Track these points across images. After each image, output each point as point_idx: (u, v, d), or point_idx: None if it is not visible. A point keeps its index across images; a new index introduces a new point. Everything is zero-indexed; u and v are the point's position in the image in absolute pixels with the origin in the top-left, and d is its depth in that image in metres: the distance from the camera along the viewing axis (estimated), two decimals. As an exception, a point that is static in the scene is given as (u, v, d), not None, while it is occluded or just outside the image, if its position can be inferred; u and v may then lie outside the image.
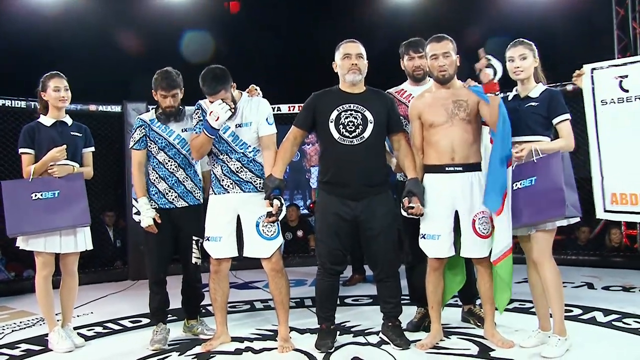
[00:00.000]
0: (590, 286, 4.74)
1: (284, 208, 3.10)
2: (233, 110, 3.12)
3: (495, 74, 2.89)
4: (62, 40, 7.39)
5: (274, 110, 6.02)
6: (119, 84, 7.26)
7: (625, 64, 3.24)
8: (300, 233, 6.86)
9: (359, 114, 3.07)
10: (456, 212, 3.08)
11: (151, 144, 3.43)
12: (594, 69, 3.26)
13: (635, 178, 3.18)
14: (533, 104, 2.99)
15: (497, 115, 2.90)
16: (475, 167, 3.10)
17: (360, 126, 3.06)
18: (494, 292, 3.10)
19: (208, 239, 3.27)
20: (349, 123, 3.06)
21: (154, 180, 3.45)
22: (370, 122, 3.07)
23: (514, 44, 3.04)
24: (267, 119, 3.23)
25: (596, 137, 3.22)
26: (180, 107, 3.45)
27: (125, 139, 5.96)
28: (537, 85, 3.04)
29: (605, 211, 3.30)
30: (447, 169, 3.07)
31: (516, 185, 2.93)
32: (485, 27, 7.52)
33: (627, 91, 3.16)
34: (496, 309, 3.17)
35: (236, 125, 3.21)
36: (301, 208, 7.68)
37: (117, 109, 6.13)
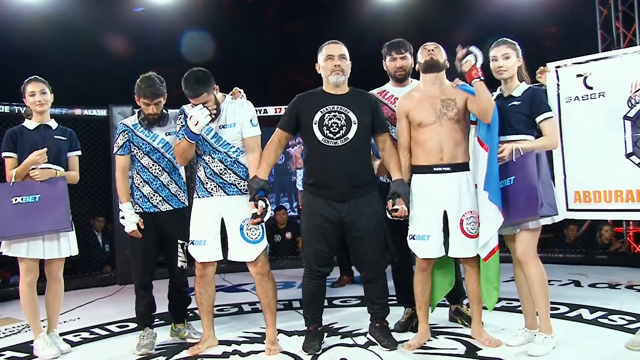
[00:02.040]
0: (577, 284, 4.77)
1: (269, 209, 3.09)
2: (214, 114, 3.11)
3: (476, 60, 2.92)
4: (47, 43, 7.33)
5: (260, 113, 5.97)
6: (105, 88, 7.21)
7: (588, 62, 3.24)
8: (288, 235, 6.84)
9: (343, 115, 3.07)
10: (444, 212, 3.08)
11: (135, 148, 3.41)
12: (558, 66, 3.28)
13: (598, 176, 3.18)
14: (516, 103, 3.00)
15: (485, 100, 2.91)
16: (463, 167, 3.10)
17: (345, 127, 3.06)
18: (483, 290, 3.11)
19: (193, 243, 3.25)
20: (333, 124, 3.06)
21: (139, 184, 3.43)
22: (354, 123, 3.07)
23: (497, 43, 3.06)
24: (251, 121, 3.22)
25: (560, 135, 3.22)
26: (164, 111, 3.43)
27: (111, 143, 5.93)
28: (520, 84, 3.05)
29: (568, 210, 3.28)
30: (435, 169, 3.07)
31: (500, 184, 2.95)
32: (471, 28, 7.55)
33: (591, 88, 3.18)
34: (485, 308, 3.18)
35: (219, 127, 3.20)
36: (287, 210, 7.66)
37: (102, 112, 6.09)
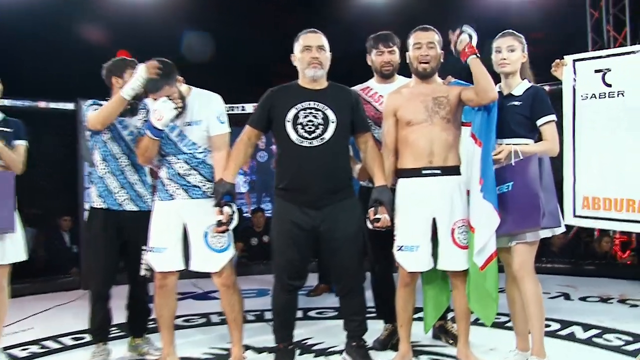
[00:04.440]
0: (567, 297, 4.54)
1: (235, 216, 2.79)
2: (180, 108, 2.81)
3: (471, 38, 2.68)
4: (11, 33, 6.91)
5: (237, 110, 5.62)
6: (73, 81, 6.83)
7: (609, 56, 2.93)
8: (266, 238, 6.54)
9: (320, 113, 2.78)
10: (434, 220, 2.81)
11: (106, 129, 3.07)
12: (576, 60, 2.97)
13: (610, 181, 2.87)
14: (516, 103, 2.74)
15: (482, 77, 2.65)
16: (454, 170, 2.83)
17: (321, 126, 2.76)
18: (478, 304, 2.82)
19: (152, 250, 2.94)
20: (309, 123, 2.76)
21: (104, 174, 3.11)
22: (332, 122, 2.77)
23: (502, 34, 2.80)
24: (219, 117, 2.92)
25: (572, 135, 2.93)
26: (138, 101, 3.10)
27: (79, 138, 5.60)
28: (521, 82, 2.79)
29: (575, 216, 2.97)
30: (424, 172, 2.80)
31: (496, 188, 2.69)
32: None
33: (609, 86, 2.87)
34: (473, 324, 2.91)
35: (185, 124, 2.90)
36: (268, 212, 7.36)
37: (70, 106, 5.75)
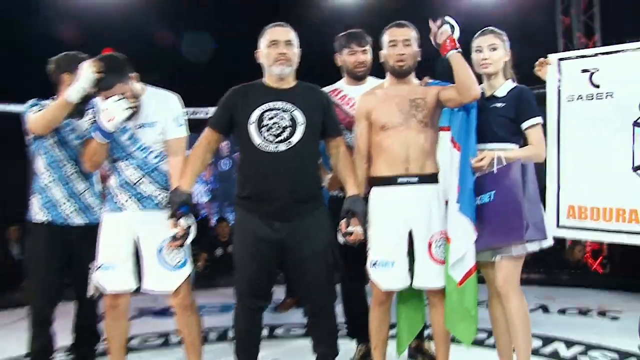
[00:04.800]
0: (545, 309, 4.37)
1: (192, 229, 2.51)
2: (134, 108, 2.52)
3: (453, 30, 2.47)
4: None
5: (201, 115, 5.35)
6: (26, 81, 6.41)
7: (596, 55, 2.75)
8: (231, 248, 6.21)
9: (287, 114, 2.51)
10: (410, 233, 2.58)
11: (50, 133, 2.76)
12: (561, 59, 2.79)
13: (598, 189, 2.68)
14: (498, 104, 2.54)
15: (464, 72, 2.44)
16: (432, 178, 2.61)
17: (288, 128, 2.50)
18: (456, 322, 2.59)
19: (100, 267, 2.63)
20: (274, 125, 2.49)
21: (48, 183, 2.79)
22: (301, 124, 2.51)
23: (482, 32, 2.60)
24: (176, 119, 2.65)
25: (557, 139, 2.74)
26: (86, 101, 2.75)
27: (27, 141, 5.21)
28: (505, 83, 2.60)
29: (559, 227, 2.78)
30: (399, 180, 2.57)
31: (476, 200, 2.48)
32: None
33: (597, 87, 2.69)
34: (454, 341, 2.68)
35: (137, 126, 2.61)
36: (232, 222, 7.05)
37: (20, 108, 5.34)
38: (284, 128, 2.49)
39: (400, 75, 2.66)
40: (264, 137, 2.48)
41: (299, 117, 2.51)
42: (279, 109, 2.51)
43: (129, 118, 2.54)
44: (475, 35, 2.61)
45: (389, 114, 2.60)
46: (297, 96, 2.55)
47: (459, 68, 2.45)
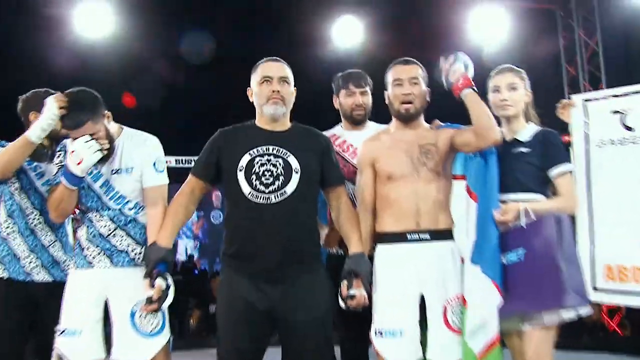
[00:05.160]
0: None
1: (171, 291, 2.18)
2: (106, 150, 2.23)
3: (466, 68, 2.23)
4: None
5: (184, 164, 5.05)
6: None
7: (628, 94, 2.47)
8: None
9: (280, 160, 2.21)
10: (422, 297, 2.26)
11: (14, 178, 2.48)
12: (587, 99, 2.52)
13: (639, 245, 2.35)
14: (523, 150, 2.27)
15: (481, 113, 2.20)
16: (446, 234, 2.30)
17: (281, 177, 2.19)
18: None
19: (63, 333, 2.28)
20: (266, 172, 2.18)
21: (9, 234, 2.48)
22: (296, 172, 2.20)
23: (500, 70, 2.35)
24: (155, 164, 2.35)
25: (587, 189, 2.43)
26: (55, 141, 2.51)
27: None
28: (527, 126, 2.33)
29: (596, 290, 2.42)
30: (409, 237, 2.26)
31: (501, 259, 2.18)
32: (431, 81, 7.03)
33: (631, 129, 2.40)
34: None
35: (112, 172, 2.32)
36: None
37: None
38: (277, 176, 2.17)
39: (407, 118, 2.38)
40: (254, 186, 2.17)
41: (294, 163, 2.20)
42: (271, 154, 2.21)
43: (102, 162, 2.25)
44: (492, 74, 2.37)
45: (397, 163, 2.32)
46: (292, 140, 2.26)
47: (476, 108, 2.19)
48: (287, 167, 2.19)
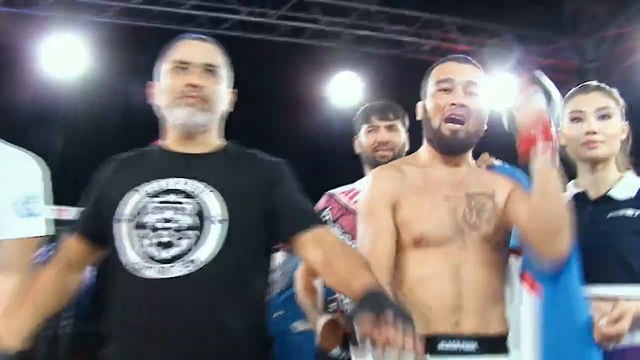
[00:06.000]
0: None
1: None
2: None
3: (550, 102, 1.33)
4: None
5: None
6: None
7: None
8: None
9: (192, 203, 1.31)
10: None
11: None
12: None
13: None
14: (626, 212, 1.45)
15: (553, 203, 1.32)
16: (499, 345, 1.42)
17: (191, 232, 1.27)
18: None
19: None
20: (165, 224, 1.28)
21: None
22: (216, 221, 1.29)
23: (583, 89, 1.56)
24: (26, 201, 1.45)
25: None
26: None
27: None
28: (624, 175, 1.52)
29: None
30: (443, 345, 1.36)
31: None
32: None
33: None
34: None
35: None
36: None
37: None
38: (182, 231, 1.26)
39: (452, 147, 1.46)
40: (144, 250, 1.26)
41: (213, 207, 1.29)
42: (176, 192, 1.31)
43: None
44: (570, 94, 1.56)
45: (432, 217, 1.42)
46: (217, 168, 1.37)
47: (547, 193, 1.33)
48: (199, 213, 1.28)
